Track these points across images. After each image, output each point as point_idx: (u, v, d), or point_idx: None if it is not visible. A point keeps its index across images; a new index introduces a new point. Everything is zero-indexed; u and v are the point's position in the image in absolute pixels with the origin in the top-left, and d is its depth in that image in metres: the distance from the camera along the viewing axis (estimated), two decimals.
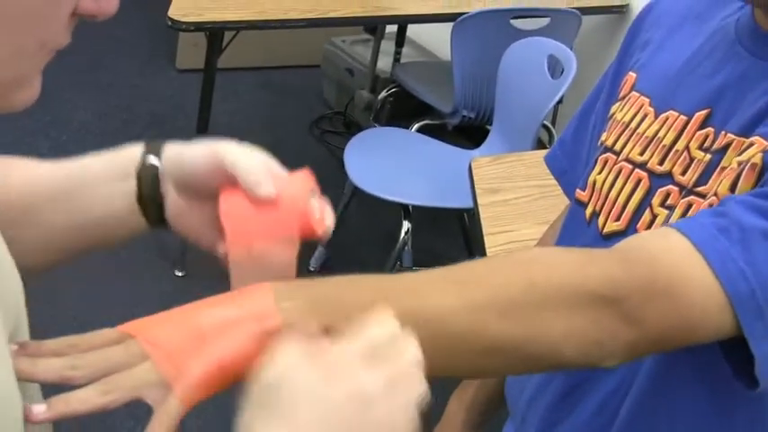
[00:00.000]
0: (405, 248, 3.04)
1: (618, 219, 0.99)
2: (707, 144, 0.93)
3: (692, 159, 0.94)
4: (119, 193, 0.74)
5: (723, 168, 0.89)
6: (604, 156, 1.04)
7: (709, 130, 0.93)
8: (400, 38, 4.15)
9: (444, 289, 0.72)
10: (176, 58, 4.54)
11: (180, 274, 3.13)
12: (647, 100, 1.02)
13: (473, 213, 1.92)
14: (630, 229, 0.97)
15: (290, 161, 0.75)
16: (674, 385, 0.95)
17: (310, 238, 0.67)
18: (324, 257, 3.26)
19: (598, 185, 1.03)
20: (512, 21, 3.20)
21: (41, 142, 3.61)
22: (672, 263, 0.77)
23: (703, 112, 0.95)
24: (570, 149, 1.21)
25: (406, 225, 3.02)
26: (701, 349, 0.83)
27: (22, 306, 0.69)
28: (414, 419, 0.61)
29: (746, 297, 0.76)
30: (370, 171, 2.97)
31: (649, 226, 0.95)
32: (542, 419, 1.08)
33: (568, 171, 1.20)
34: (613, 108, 1.08)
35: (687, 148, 0.95)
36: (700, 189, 0.91)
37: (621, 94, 1.08)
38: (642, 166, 0.99)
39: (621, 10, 3.64)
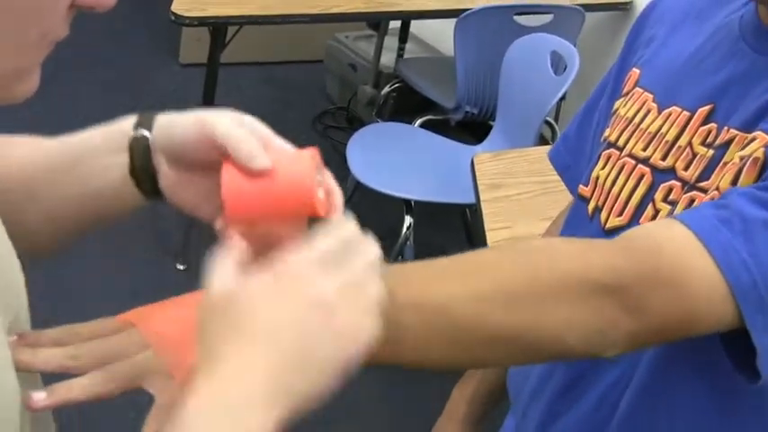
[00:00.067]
0: (407, 243, 3.05)
1: (620, 214, 0.99)
2: (710, 140, 0.93)
3: (694, 155, 0.94)
4: (113, 166, 0.73)
5: (725, 164, 0.89)
6: (607, 151, 1.04)
7: (712, 125, 0.93)
8: (403, 33, 4.15)
9: (448, 279, 0.73)
10: (179, 53, 4.53)
11: (181, 267, 3.14)
12: (651, 96, 1.02)
13: (475, 209, 1.92)
14: (633, 224, 0.97)
15: None
16: (674, 381, 0.95)
17: (314, 217, 0.65)
18: None
19: (601, 181, 1.03)
20: (515, 17, 3.20)
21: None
22: (674, 253, 0.77)
23: (706, 108, 0.95)
24: (573, 145, 1.21)
25: (408, 220, 3.03)
26: (701, 345, 0.83)
27: (23, 296, 0.69)
28: (376, 325, 0.60)
29: (748, 288, 0.76)
30: (372, 166, 2.97)
31: (652, 221, 0.95)
32: (543, 413, 1.08)
33: (572, 167, 1.20)
34: (617, 104, 1.08)
35: (690, 143, 0.95)
36: (702, 184, 0.91)
37: (625, 91, 1.08)
38: (645, 161, 0.99)
39: (625, 7, 3.64)
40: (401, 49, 4.16)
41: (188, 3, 2.94)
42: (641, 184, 0.98)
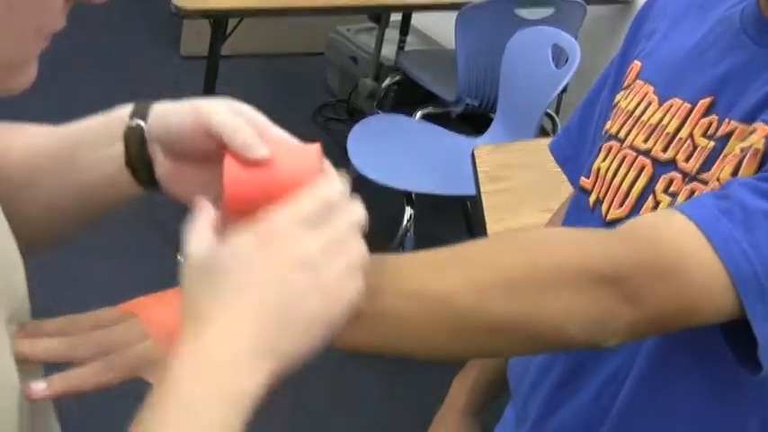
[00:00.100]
0: (407, 235, 3.05)
1: (621, 205, 0.99)
2: (710, 131, 0.93)
3: (695, 146, 0.94)
4: (110, 155, 0.73)
5: (726, 155, 0.89)
6: (609, 143, 1.04)
7: (713, 117, 0.93)
8: (405, 26, 4.14)
9: (449, 269, 0.73)
10: (180, 45, 4.53)
11: (181, 258, 3.13)
12: (652, 88, 1.02)
13: (475, 201, 1.93)
14: (633, 215, 0.97)
15: None
16: (674, 372, 0.95)
17: None
18: None
19: (602, 173, 1.03)
20: (516, 10, 3.20)
21: None
22: (674, 243, 0.77)
23: (707, 100, 0.95)
24: (575, 137, 1.21)
25: (408, 212, 3.03)
26: (701, 335, 0.83)
27: (24, 288, 0.69)
28: (361, 285, 0.60)
29: (749, 278, 0.76)
30: (373, 158, 2.97)
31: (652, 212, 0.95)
32: (543, 403, 1.08)
33: (573, 159, 1.20)
34: (618, 96, 1.08)
35: (691, 135, 0.95)
36: (703, 176, 0.91)
37: (626, 83, 1.08)
38: (646, 153, 0.99)
39: (626, 0, 3.64)
40: (402, 42, 4.15)
41: None
42: (642, 176, 0.98)
